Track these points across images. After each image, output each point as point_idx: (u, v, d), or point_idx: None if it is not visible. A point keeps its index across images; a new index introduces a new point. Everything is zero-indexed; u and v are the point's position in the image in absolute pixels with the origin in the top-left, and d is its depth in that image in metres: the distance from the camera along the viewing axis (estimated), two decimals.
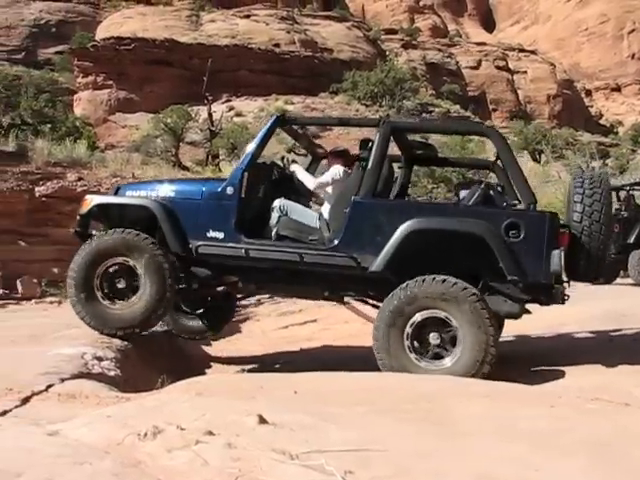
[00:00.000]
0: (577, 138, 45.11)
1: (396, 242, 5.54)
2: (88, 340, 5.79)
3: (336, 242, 5.80)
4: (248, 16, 50.81)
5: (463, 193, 6.43)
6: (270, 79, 42.81)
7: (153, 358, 6.45)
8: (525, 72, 62.09)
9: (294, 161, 6.84)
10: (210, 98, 25.17)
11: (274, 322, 9.89)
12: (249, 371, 5.64)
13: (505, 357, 6.67)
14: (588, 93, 69.96)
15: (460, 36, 73.27)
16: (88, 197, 6.67)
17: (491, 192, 6.22)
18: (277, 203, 6.27)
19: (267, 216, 6.26)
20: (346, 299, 6.57)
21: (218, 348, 8.40)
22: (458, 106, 50.69)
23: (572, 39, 74.39)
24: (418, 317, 5.35)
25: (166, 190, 6.36)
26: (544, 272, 5.43)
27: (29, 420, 3.41)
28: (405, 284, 5.40)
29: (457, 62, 60.32)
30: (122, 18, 51.38)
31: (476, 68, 60.28)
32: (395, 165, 6.85)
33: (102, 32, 49.26)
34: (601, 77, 71.04)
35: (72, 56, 45.30)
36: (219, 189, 6.13)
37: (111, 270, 6.03)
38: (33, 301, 11.67)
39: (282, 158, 6.96)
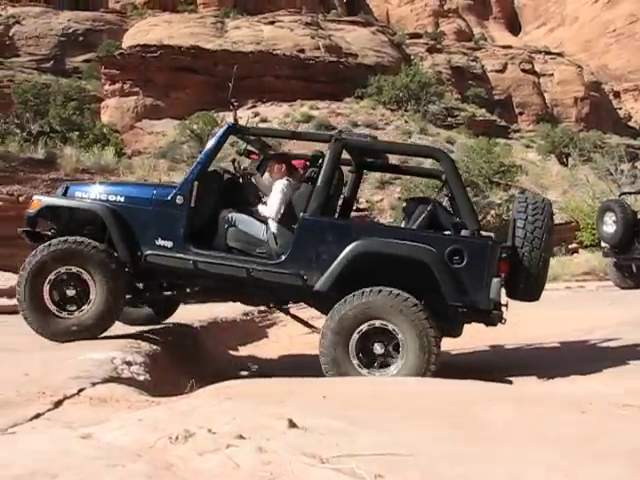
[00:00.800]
0: (605, 141, 44.67)
1: (341, 263, 5.66)
2: (117, 345, 5.85)
3: (283, 257, 5.89)
4: (273, 22, 51.05)
5: (411, 209, 6.47)
6: (295, 85, 42.96)
7: (181, 362, 6.49)
8: (552, 75, 61.64)
9: (249, 174, 6.79)
10: (236, 104, 25.30)
11: (301, 327, 9.87)
12: (277, 376, 5.65)
13: (534, 363, 6.63)
14: (616, 95, 69.30)
15: (485, 39, 72.90)
16: (36, 198, 6.65)
17: (439, 211, 6.25)
18: (224, 214, 6.28)
19: (217, 226, 6.27)
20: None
21: (246, 353, 8.44)
22: (484, 110, 50.49)
23: (600, 40, 73.78)
24: (364, 327, 5.49)
25: (115, 194, 6.32)
26: (484, 299, 5.58)
27: (62, 423, 3.46)
28: (351, 295, 5.53)
29: (482, 66, 60.08)
30: (148, 26, 51.86)
31: (502, 71, 59.96)
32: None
33: (128, 40, 49.74)
34: (630, 78, 70.34)
35: (99, 64, 45.85)
36: (169, 197, 6.13)
37: (60, 278, 6.02)
38: None
39: (233, 161, 6.97)
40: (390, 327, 5.45)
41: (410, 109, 42.62)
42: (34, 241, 6.53)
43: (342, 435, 3.07)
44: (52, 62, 54.91)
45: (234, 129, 6.38)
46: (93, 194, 6.37)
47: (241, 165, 6.90)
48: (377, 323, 5.48)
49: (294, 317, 6.83)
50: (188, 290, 6.54)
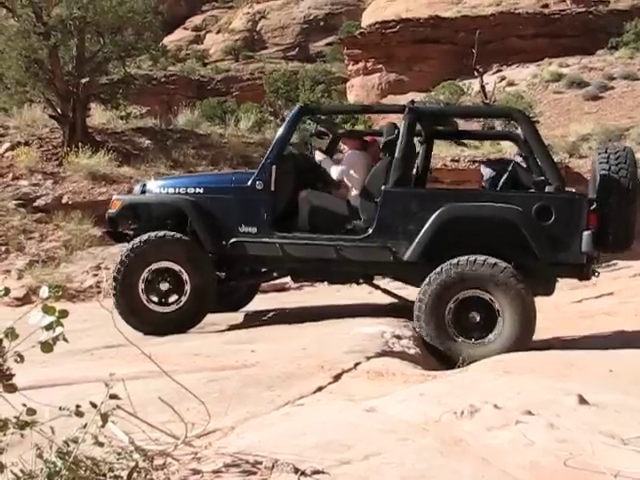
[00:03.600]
0: None
1: (429, 231, 5.69)
2: (384, 319, 5.94)
3: (369, 231, 5.93)
4: None
5: (486, 171, 6.46)
6: (541, 43, 40.88)
7: None
8: None
9: (319, 149, 6.80)
10: (480, 70, 24.77)
11: (566, 296, 9.40)
12: (550, 348, 5.45)
13: None
14: None
15: None
16: (116, 198, 6.81)
17: (519, 171, 6.27)
18: (304, 195, 6.29)
19: (297, 207, 6.26)
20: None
21: None
22: None
23: None
24: (462, 295, 5.50)
25: (194, 186, 6.40)
26: (576, 253, 5.55)
27: (344, 396, 3.57)
28: (447, 264, 5.50)
29: None
30: (385, 2, 52.25)
31: None
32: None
33: (367, 18, 50.52)
34: None
35: (341, 46, 47.12)
36: (248, 183, 6.17)
37: (155, 273, 6.14)
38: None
39: (305, 144, 6.97)
40: (487, 297, 5.45)
41: None
42: (117, 240, 6.89)
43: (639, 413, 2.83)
44: (297, 49, 57.49)
45: (306, 109, 6.58)
46: (172, 188, 6.51)
47: (314, 146, 6.97)
48: (473, 292, 5.50)
49: (386, 291, 6.82)
50: (275, 274, 6.72)
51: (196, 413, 2.73)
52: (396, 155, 6.01)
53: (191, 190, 6.44)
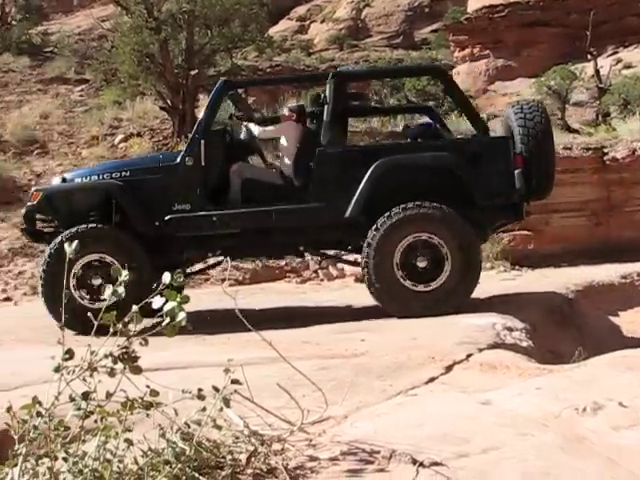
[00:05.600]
0: None
1: (367, 184, 5.81)
2: (494, 311, 5.80)
3: (306, 195, 5.99)
4: None
5: (410, 133, 6.81)
6: None
7: (558, 329, 6.28)
8: None
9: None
10: (594, 53, 23.78)
11: None
12: None
13: None
14: None
15: None
16: (35, 189, 6.48)
17: (440, 130, 6.56)
18: (235, 167, 6.22)
19: (229, 181, 6.17)
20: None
21: (626, 320, 7.89)
22: None
23: None
24: (408, 240, 5.72)
25: (120, 170, 6.20)
26: (510, 193, 5.88)
27: (457, 388, 3.50)
28: (389, 213, 5.69)
29: None
30: None
31: None
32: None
33: (473, 3, 49.22)
34: None
35: (447, 32, 46.28)
36: (178, 160, 6.06)
37: (87, 266, 5.87)
38: None
39: (225, 126, 6.86)
40: (435, 240, 5.68)
41: None
42: (35, 240, 6.64)
43: None
44: (401, 37, 56.83)
45: (229, 84, 6.62)
46: (95, 176, 6.28)
47: (234, 129, 6.92)
48: (419, 236, 5.72)
49: (332, 258, 7.08)
50: (210, 255, 6.57)
51: (311, 400, 2.74)
52: (325, 118, 6.16)
53: (117, 174, 6.19)
